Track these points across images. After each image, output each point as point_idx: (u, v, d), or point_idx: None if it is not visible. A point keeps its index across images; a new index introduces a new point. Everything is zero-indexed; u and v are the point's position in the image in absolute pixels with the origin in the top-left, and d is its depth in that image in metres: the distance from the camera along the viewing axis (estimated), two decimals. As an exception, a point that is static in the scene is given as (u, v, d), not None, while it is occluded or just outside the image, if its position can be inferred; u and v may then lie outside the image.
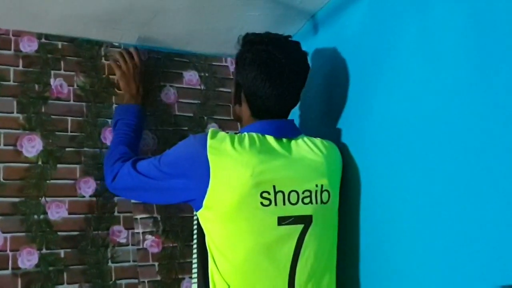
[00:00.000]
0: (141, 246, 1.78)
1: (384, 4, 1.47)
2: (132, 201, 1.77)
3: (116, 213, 1.76)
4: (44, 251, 1.62)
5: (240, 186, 1.33)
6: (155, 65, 1.96)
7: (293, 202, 1.38)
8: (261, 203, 1.34)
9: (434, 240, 1.22)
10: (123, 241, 1.75)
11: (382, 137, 1.43)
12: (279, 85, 1.45)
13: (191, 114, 1.99)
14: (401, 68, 1.37)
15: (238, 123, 1.92)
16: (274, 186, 1.36)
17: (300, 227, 1.39)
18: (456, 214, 1.16)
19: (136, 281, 1.73)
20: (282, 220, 1.36)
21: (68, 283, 1.64)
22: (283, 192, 1.37)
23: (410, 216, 1.31)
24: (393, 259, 1.37)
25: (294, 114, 1.76)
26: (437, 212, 1.22)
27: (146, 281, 1.75)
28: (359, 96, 1.56)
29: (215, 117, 2.03)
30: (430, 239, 1.24)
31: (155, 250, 1.80)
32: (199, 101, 2.01)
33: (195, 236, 1.52)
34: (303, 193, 1.39)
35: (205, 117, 2.01)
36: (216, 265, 1.38)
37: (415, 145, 1.31)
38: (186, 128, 1.96)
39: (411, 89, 1.33)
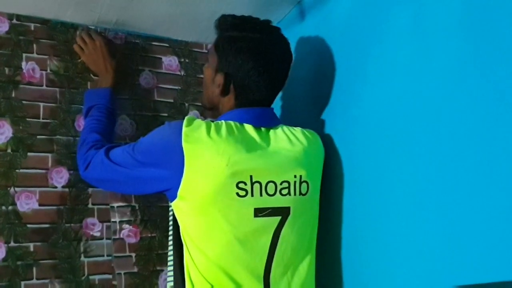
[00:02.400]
0: (117, 236, 1.71)
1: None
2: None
3: (90, 205, 1.68)
4: (12, 244, 1.54)
5: (215, 175, 1.28)
6: (133, 49, 1.88)
7: (270, 193, 1.34)
8: (237, 193, 1.30)
9: (417, 232, 1.20)
10: (97, 234, 1.67)
11: (368, 128, 1.39)
12: (274, 78, 1.43)
13: (171, 100, 1.92)
14: (390, 58, 1.33)
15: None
16: (251, 176, 1.31)
17: (277, 219, 1.35)
18: (439, 207, 1.14)
19: (110, 276, 1.66)
20: (258, 212, 1.32)
21: (37, 279, 1.56)
22: (260, 183, 1.33)
23: (393, 208, 1.28)
24: (374, 251, 1.35)
25: (277, 103, 1.72)
26: (421, 203, 1.19)
27: (122, 273, 1.69)
28: (346, 86, 1.52)
29: (196, 104, 1.96)
30: (413, 231, 1.21)
31: (133, 240, 1.73)
32: (179, 87, 1.94)
33: (170, 228, 1.47)
34: (281, 184, 1.35)
35: (186, 104, 1.94)
36: (191, 258, 1.34)
37: (400, 137, 1.27)
38: (166, 115, 1.89)
39: (400, 80, 1.29)
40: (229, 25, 1.46)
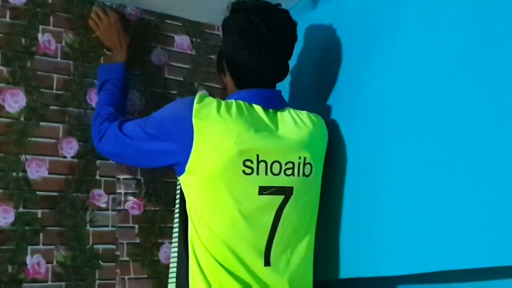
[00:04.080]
0: (122, 207, 1.75)
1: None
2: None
3: (97, 177, 1.72)
4: (21, 209, 1.59)
5: (223, 152, 1.33)
6: (147, 26, 1.91)
7: (275, 172, 1.38)
8: (243, 171, 1.34)
9: (417, 214, 1.24)
10: (103, 205, 1.72)
11: (372, 116, 1.43)
12: (257, 53, 1.44)
13: (181, 79, 1.96)
14: (399, 48, 1.36)
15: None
16: (257, 155, 1.36)
17: (280, 198, 1.39)
18: (440, 190, 1.17)
19: (114, 246, 1.71)
20: (263, 190, 1.37)
21: (43, 244, 1.61)
22: (266, 162, 1.37)
23: (393, 192, 1.32)
24: (372, 234, 1.39)
25: (284, 86, 1.75)
26: (421, 187, 1.23)
27: (125, 242, 1.74)
28: (353, 74, 1.55)
29: (205, 84, 1.99)
30: (412, 214, 1.25)
31: (136, 212, 1.78)
32: (189, 66, 1.98)
33: (177, 201, 1.51)
34: (285, 164, 1.39)
35: (195, 83, 1.98)
36: (196, 232, 1.37)
37: (403, 125, 1.31)
38: (175, 92, 1.93)
39: (407, 71, 1.32)
40: (230, 8, 1.51)
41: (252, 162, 1.35)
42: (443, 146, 1.18)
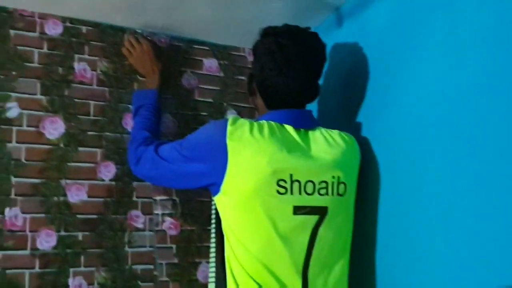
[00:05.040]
0: (159, 228, 1.79)
1: (411, 0, 1.46)
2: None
3: (134, 198, 1.77)
4: (62, 233, 1.64)
5: (257, 173, 1.34)
6: (177, 51, 1.97)
7: (309, 192, 1.38)
8: (277, 191, 1.35)
9: (452, 237, 1.22)
10: (141, 226, 1.76)
11: (403, 133, 1.43)
12: (285, 74, 1.45)
13: (211, 100, 2.01)
14: (426, 65, 1.37)
15: (256, 112, 1.95)
16: (291, 175, 1.36)
17: (315, 217, 1.39)
18: (475, 211, 1.16)
19: (152, 267, 1.74)
20: (297, 210, 1.37)
21: (85, 266, 1.65)
22: (299, 182, 1.37)
23: (428, 210, 1.31)
24: (408, 253, 1.38)
25: (312, 105, 1.76)
26: (456, 208, 1.22)
27: (163, 263, 1.77)
28: (381, 91, 1.56)
29: (234, 103, 2.05)
30: (448, 235, 1.24)
31: (173, 232, 1.82)
32: (218, 88, 2.03)
33: (213, 221, 1.54)
34: (319, 184, 1.39)
35: (224, 104, 2.03)
36: (233, 251, 1.39)
37: (435, 142, 1.31)
38: (205, 114, 1.98)
39: (435, 87, 1.33)
40: (261, 32, 1.56)
41: (285, 181, 1.36)
42: (479, 159, 1.17)
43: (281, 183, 1.35)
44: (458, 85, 1.25)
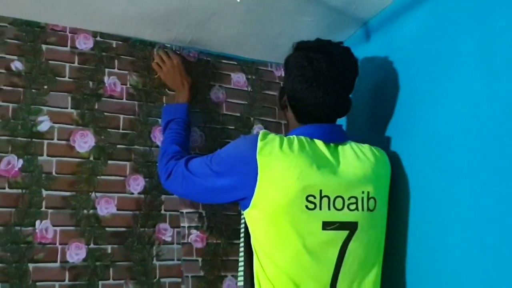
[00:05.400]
0: (186, 241, 1.80)
1: (441, 15, 1.46)
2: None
3: (162, 211, 1.78)
4: (92, 245, 1.65)
5: (286, 188, 1.34)
6: (205, 66, 1.99)
7: (338, 207, 1.37)
8: (306, 206, 1.34)
9: (485, 252, 1.22)
10: (169, 239, 1.77)
11: (433, 148, 1.43)
12: (316, 87, 1.45)
13: (238, 114, 2.02)
14: (457, 80, 1.36)
15: (283, 126, 1.99)
16: (320, 191, 1.36)
17: (345, 233, 1.38)
18: (509, 226, 1.16)
19: (179, 280, 1.74)
20: (326, 225, 1.36)
21: (113, 279, 1.66)
22: (328, 197, 1.37)
23: (458, 225, 1.31)
24: (440, 268, 1.37)
25: (342, 120, 1.76)
26: (488, 222, 1.21)
27: (189, 276, 1.77)
28: (410, 106, 1.56)
29: (261, 118, 2.05)
30: (481, 249, 1.23)
31: (199, 245, 1.82)
32: (246, 102, 2.04)
33: (242, 235, 1.53)
34: (349, 199, 1.39)
35: (252, 118, 2.04)
36: (261, 265, 1.39)
37: (465, 158, 1.31)
38: (233, 127, 1.99)
39: (466, 103, 1.32)
40: (293, 46, 1.57)
41: (315, 197, 1.35)
42: (504, 180, 1.17)
43: (310, 198, 1.35)
44: (489, 101, 1.24)
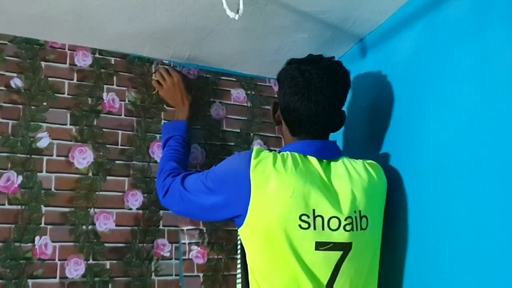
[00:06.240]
0: (187, 257, 1.80)
1: (437, 31, 1.47)
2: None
3: (161, 227, 1.78)
4: (90, 261, 1.65)
5: (279, 206, 1.34)
6: (205, 83, 2.00)
7: (333, 228, 1.36)
8: (300, 225, 1.33)
9: (486, 273, 1.21)
10: (167, 254, 1.77)
11: (430, 163, 1.43)
12: (307, 98, 1.46)
13: (238, 130, 2.03)
14: (453, 96, 1.37)
15: (282, 141, 1.96)
16: (313, 210, 1.35)
17: (338, 253, 1.37)
18: (508, 244, 1.15)
19: (178, 295, 1.75)
20: (320, 246, 1.35)
21: (112, 295, 1.66)
22: (322, 217, 1.35)
23: (456, 240, 1.30)
24: (439, 283, 1.36)
25: (338, 136, 1.77)
26: (487, 238, 1.20)
27: (191, 292, 1.77)
28: (407, 122, 1.56)
29: (260, 133, 2.06)
30: (478, 266, 1.23)
31: (200, 261, 1.82)
32: (245, 118, 2.06)
33: (239, 253, 1.53)
34: (345, 220, 1.37)
35: (251, 134, 2.05)
36: (257, 283, 1.39)
37: (463, 173, 1.30)
38: (233, 144, 2.01)
39: (462, 118, 1.33)
40: (286, 62, 1.58)
41: (308, 216, 1.34)
42: (504, 196, 1.16)
43: (304, 217, 1.34)
44: (485, 118, 1.25)
